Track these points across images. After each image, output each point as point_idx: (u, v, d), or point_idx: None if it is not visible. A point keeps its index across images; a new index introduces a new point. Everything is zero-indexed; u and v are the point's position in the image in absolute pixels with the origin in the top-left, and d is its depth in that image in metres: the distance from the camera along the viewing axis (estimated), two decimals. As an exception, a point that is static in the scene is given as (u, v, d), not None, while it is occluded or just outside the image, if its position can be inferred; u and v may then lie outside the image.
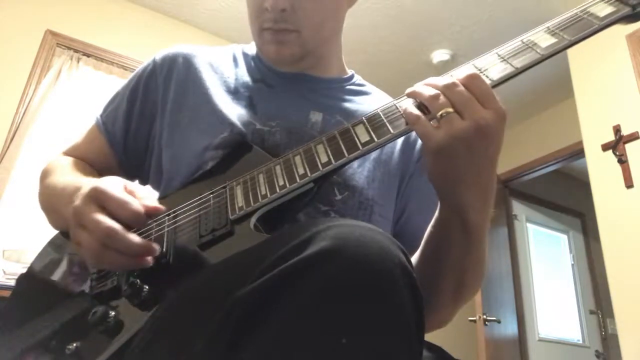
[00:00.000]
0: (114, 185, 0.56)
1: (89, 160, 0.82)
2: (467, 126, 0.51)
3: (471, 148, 0.51)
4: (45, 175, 0.79)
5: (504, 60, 0.57)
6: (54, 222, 0.77)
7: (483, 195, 0.56)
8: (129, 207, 0.54)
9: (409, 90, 0.57)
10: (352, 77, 0.89)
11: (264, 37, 0.75)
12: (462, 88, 0.53)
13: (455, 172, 0.53)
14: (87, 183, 0.58)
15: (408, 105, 0.56)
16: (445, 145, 0.51)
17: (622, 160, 2.37)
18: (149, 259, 0.55)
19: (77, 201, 0.55)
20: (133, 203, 0.55)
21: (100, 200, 0.55)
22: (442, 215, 0.60)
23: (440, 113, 0.52)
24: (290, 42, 0.74)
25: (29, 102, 2.54)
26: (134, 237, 0.53)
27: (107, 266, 0.54)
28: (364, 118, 0.60)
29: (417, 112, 0.54)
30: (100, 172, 0.79)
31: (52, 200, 0.75)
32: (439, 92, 0.53)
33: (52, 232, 0.79)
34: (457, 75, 0.55)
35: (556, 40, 0.56)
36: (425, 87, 0.55)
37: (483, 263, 0.64)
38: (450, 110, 0.52)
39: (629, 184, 2.32)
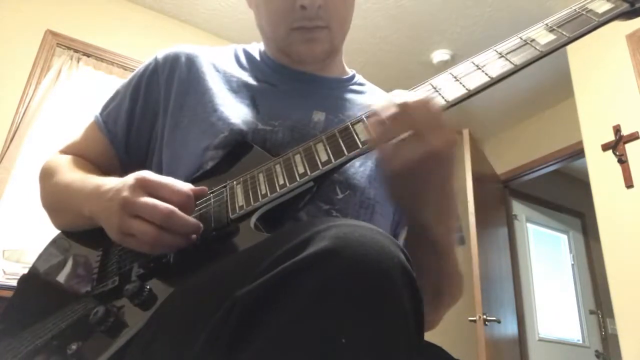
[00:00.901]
0: (156, 175, 0.58)
1: (87, 159, 0.81)
2: (421, 152, 0.52)
3: (424, 172, 0.54)
4: (47, 174, 0.78)
5: (503, 57, 0.57)
6: (61, 221, 0.76)
7: (443, 210, 0.59)
8: (180, 191, 0.57)
9: (370, 110, 0.57)
10: (353, 76, 0.89)
11: (294, 37, 0.75)
12: (415, 113, 0.53)
13: (412, 193, 0.57)
14: (117, 179, 0.60)
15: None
16: (399, 170, 0.54)
17: (622, 160, 2.37)
18: (194, 237, 0.57)
19: (125, 192, 0.56)
20: (183, 187, 0.57)
21: (149, 188, 0.56)
22: (409, 228, 0.64)
23: (396, 138, 0.53)
24: (321, 38, 0.76)
25: (29, 102, 2.53)
26: (189, 216, 0.56)
27: (163, 249, 0.56)
28: (363, 116, 0.60)
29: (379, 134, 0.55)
30: (101, 170, 0.79)
31: (62, 199, 0.73)
32: (396, 114, 0.54)
33: (52, 232, 0.78)
34: (412, 97, 0.54)
35: (555, 37, 0.56)
36: (385, 109, 0.55)
37: (455, 275, 0.67)
38: (406, 135, 0.53)
39: (629, 184, 2.32)
